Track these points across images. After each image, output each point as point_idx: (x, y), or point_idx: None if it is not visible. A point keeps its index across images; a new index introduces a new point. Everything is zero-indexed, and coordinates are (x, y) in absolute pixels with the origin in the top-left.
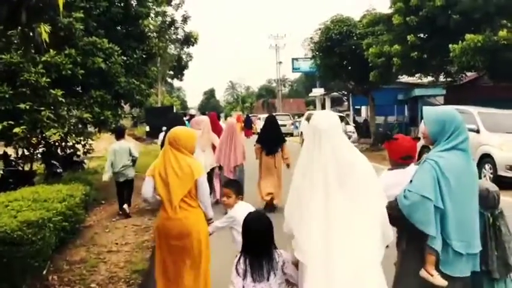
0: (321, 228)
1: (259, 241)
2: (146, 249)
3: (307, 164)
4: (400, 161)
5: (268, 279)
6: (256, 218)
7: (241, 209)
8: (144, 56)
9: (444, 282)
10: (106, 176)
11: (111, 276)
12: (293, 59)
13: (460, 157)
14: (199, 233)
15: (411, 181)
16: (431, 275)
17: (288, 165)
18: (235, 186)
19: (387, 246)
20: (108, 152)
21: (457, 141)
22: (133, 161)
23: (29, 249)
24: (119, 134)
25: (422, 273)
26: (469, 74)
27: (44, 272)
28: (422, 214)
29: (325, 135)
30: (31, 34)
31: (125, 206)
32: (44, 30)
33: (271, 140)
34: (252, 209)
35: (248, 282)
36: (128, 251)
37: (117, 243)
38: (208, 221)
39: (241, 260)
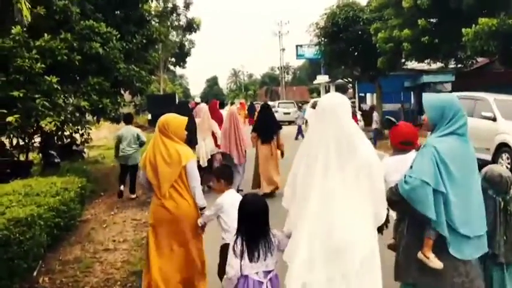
0: (316, 210)
1: (255, 223)
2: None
3: (308, 147)
4: (400, 146)
5: (265, 259)
6: (252, 200)
7: (229, 197)
8: (144, 41)
9: (440, 265)
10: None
11: (106, 279)
12: (297, 46)
13: (459, 141)
14: (189, 222)
15: (411, 167)
16: (428, 258)
17: (282, 153)
18: (225, 173)
19: (386, 226)
20: (110, 140)
21: (456, 126)
22: (141, 144)
23: (16, 250)
24: (127, 119)
25: (420, 255)
26: (479, 59)
27: (35, 274)
28: (423, 198)
29: (328, 112)
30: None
31: (131, 195)
32: (25, 5)
33: (267, 129)
34: (239, 197)
35: (246, 263)
36: (126, 249)
37: (114, 240)
38: (201, 209)
39: (238, 242)
